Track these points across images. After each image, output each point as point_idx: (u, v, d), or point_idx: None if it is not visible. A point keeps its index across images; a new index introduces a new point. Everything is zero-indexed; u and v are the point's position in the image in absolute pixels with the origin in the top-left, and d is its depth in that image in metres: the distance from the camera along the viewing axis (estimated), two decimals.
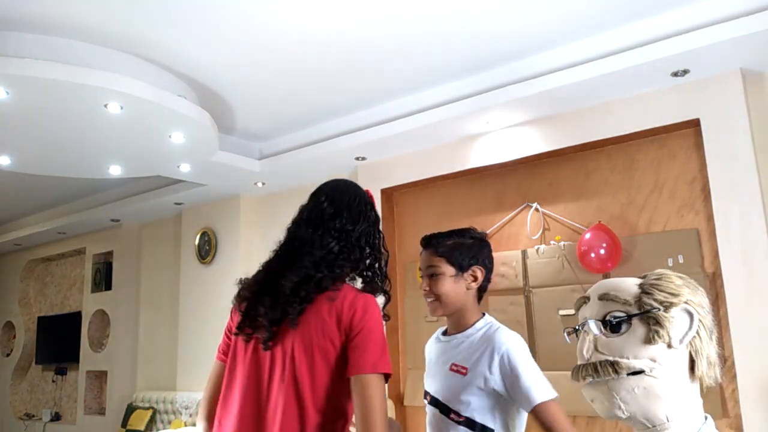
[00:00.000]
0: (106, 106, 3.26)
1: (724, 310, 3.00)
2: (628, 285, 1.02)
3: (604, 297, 1.02)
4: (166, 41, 3.17)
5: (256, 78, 3.63)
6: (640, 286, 1.01)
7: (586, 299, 1.07)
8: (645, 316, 0.96)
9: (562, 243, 3.62)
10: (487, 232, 3.95)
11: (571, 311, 3.17)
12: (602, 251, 3.28)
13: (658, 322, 0.95)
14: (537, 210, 3.79)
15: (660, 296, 0.98)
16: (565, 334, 1.12)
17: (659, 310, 0.96)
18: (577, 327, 1.07)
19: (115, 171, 4.39)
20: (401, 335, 4.35)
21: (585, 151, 3.66)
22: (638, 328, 0.96)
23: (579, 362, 1.00)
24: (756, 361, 2.87)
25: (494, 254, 3.99)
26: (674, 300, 0.97)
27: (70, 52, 3.09)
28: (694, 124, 3.25)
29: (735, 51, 2.90)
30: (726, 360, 2.99)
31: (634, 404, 0.94)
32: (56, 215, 6.40)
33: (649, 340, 0.95)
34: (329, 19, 3.00)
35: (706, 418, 0.99)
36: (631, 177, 3.50)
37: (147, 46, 3.22)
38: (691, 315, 0.97)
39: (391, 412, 4.09)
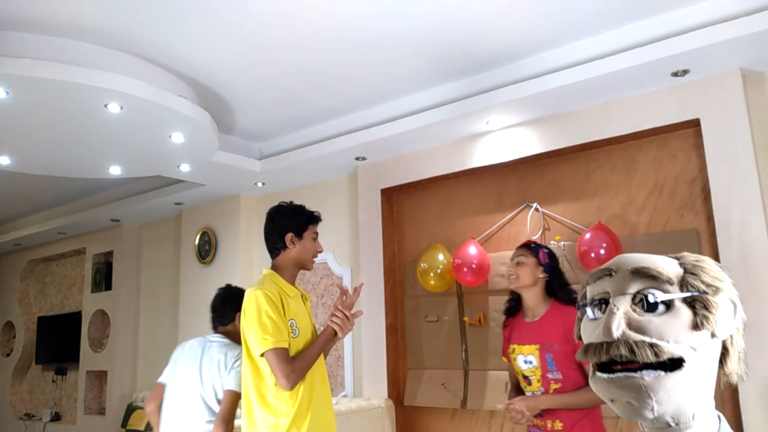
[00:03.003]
0: (106, 106, 3.26)
1: None
2: (667, 262, 0.91)
3: (640, 271, 0.89)
4: (166, 41, 3.17)
5: (256, 78, 3.63)
6: (682, 265, 0.90)
7: (610, 271, 0.92)
8: (691, 298, 0.86)
9: (562, 243, 3.61)
10: (486, 232, 3.96)
11: None
12: (602, 251, 3.28)
13: (706, 307, 0.86)
14: (537, 210, 3.79)
15: (707, 279, 0.88)
16: (589, 309, 0.93)
17: (707, 294, 0.87)
18: (589, 300, 0.93)
19: (115, 171, 4.39)
20: (401, 335, 4.35)
21: (585, 151, 3.66)
22: (682, 311, 0.85)
23: (603, 339, 0.85)
24: (756, 361, 2.87)
25: (494, 254, 4.00)
26: (720, 285, 0.89)
27: (70, 52, 3.10)
28: (694, 124, 3.25)
29: (735, 51, 2.90)
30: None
31: (669, 404, 0.82)
32: (56, 215, 6.40)
33: (696, 326, 0.85)
34: (329, 20, 3.00)
35: (719, 417, 0.90)
36: (631, 177, 3.50)
37: (147, 46, 3.22)
38: (735, 305, 0.90)
39: (391, 412, 4.09)
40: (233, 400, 2.51)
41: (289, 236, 2.33)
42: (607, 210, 3.55)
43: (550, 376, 2.37)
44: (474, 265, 3.74)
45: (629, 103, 3.39)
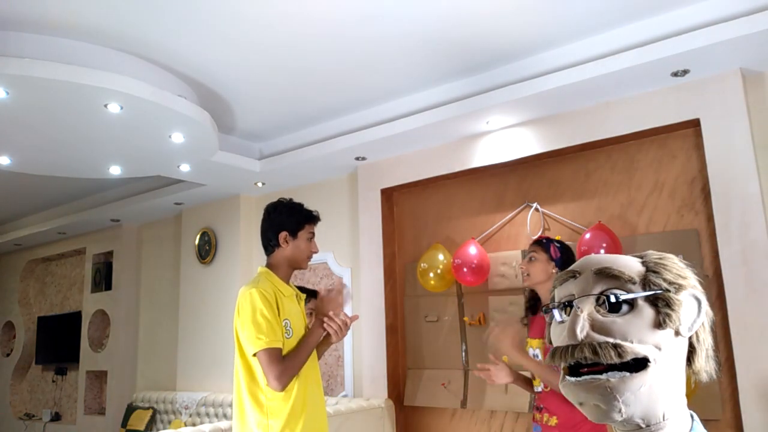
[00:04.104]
0: (106, 106, 3.26)
1: (724, 310, 3.00)
2: (630, 261, 0.90)
3: (603, 272, 0.88)
4: (166, 41, 3.17)
5: (256, 78, 3.63)
6: (644, 263, 0.90)
7: (575, 273, 0.92)
8: (653, 297, 0.85)
9: None
10: (487, 232, 3.96)
11: None
12: (602, 251, 3.28)
13: (668, 305, 0.85)
14: (537, 210, 3.79)
15: (669, 276, 0.87)
16: (556, 312, 0.93)
17: (670, 291, 0.86)
18: (556, 303, 0.92)
19: (115, 171, 4.39)
20: (401, 335, 4.35)
21: (585, 151, 3.66)
22: (645, 310, 0.85)
23: (568, 342, 0.85)
24: (756, 361, 2.87)
25: (494, 254, 4.00)
26: (683, 282, 0.88)
27: (70, 52, 3.10)
28: (694, 124, 3.25)
29: (735, 51, 2.90)
30: (724, 359, 2.99)
31: (636, 405, 0.82)
32: (56, 215, 6.40)
33: (658, 324, 0.84)
34: (329, 20, 3.00)
35: (692, 416, 0.89)
36: (631, 177, 3.50)
37: (147, 46, 3.22)
38: (699, 301, 0.88)
39: (391, 412, 4.09)
40: None
41: (283, 234, 2.30)
42: (607, 210, 3.55)
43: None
44: (474, 265, 3.74)
45: (629, 103, 3.39)
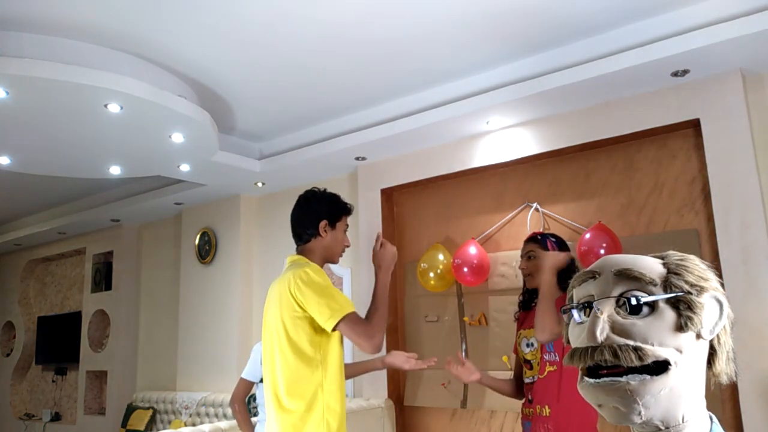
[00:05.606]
0: (106, 106, 3.26)
1: None
2: (651, 262, 0.89)
3: (623, 273, 0.87)
4: (166, 41, 3.17)
5: (256, 78, 3.63)
6: (665, 265, 0.89)
7: (595, 274, 0.90)
8: (674, 299, 0.84)
9: None
10: (486, 232, 3.96)
11: None
12: (602, 251, 3.28)
13: (690, 308, 0.84)
14: (537, 210, 3.79)
15: (691, 278, 0.86)
16: (575, 312, 0.92)
17: (691, 294, 0.85)
18: (575, 304, 0.91)
19: (115, 171, 4.39)
20: (401, 335, 4.35)
21: (585, 151, 3.66)
22: (666, 313, 0.84)
23: (587, 344, 0.84)
24: (756, 361, 2.87)
25: (494, 254, 3.99)
26: (705, 284, 0.86)
27: (70, 52, 3.10)
28: (694, 124, 3.25)
29: (735, 51, 2.90)
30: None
31: (656, 408, 0.82)
32: (56, 215, 6.41)
33: (679, 328, 0.83)
34: (329, 19, 3.00)
35: (711, 417, 0.89)
36: (631, 177, 3.50)
37: (147, 46, 3.22)
38: (720, 303, 0.87)
39: (391, 412, 4.09)
40: None
41: (323, 223, 2.22)
42: (607, 210, 3.55)
43: (546, 357, 2.34)
44: (474, 265, 3.74)
45: (629, 103, 3.39)
